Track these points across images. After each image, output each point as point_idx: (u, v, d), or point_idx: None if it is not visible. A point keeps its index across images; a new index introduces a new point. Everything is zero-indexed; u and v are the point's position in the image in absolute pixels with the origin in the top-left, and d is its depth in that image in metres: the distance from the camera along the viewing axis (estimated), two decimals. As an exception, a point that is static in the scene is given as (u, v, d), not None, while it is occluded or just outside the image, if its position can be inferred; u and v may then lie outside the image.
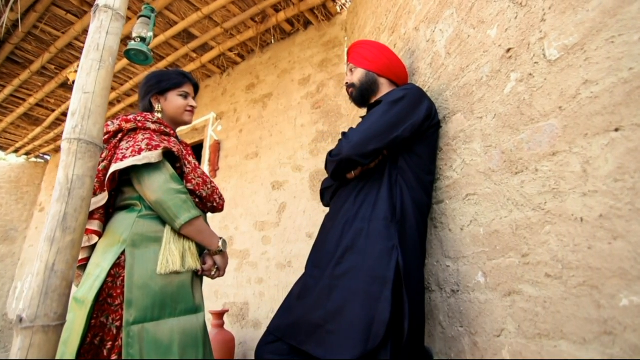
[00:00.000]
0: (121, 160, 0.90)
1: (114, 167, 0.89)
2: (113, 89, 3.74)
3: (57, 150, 5.59)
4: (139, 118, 1.00)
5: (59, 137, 5.02)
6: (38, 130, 4.55)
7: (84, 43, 2.99)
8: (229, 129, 3.27)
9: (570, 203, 0.62)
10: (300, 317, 0.95)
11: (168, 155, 0.98)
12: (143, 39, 1.67)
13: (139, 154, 0.90)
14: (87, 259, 0.94)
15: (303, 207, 2.40)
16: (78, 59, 3.13)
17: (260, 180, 2.76)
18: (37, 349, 0.61)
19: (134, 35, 1.80)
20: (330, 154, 1.05)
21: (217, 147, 3.26)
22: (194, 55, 3.30)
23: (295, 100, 2.79)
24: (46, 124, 4.38)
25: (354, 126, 2.23)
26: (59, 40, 2.84)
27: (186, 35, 3.02)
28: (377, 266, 0.86)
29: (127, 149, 0.92)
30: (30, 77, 3.31)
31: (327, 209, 2.26)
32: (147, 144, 0.92)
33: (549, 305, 0.66)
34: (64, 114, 4.30)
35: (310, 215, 2.34)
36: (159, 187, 0.91)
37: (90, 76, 0.80)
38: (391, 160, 1.01)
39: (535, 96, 0.72)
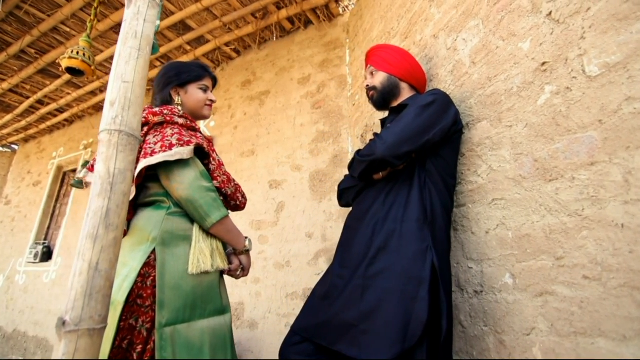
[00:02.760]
0: (150, 155, 0.86)
1: (144, 163, 0.85)
2: (97, 77, 3.55)
3: (27, 139, 5.23)
4: (165, 111, 0.96)
5: (30, 125, 4.71)
6: (8, 117, 4.23)
7: (70, 28, 2.84)
8: (223, 125, 3.19)
9: (611, 210, 0.67)
10: (330, 317, 0.95)
11: (196, 151, 0.95)
12: (152, 29, 1.60)
13: (170, 149, 0.87)
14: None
15: (303, 206, 2.39)
16: (62, 44, 2.94)
17: (257, 178, 2.72)
18: (82, 353, 0.58)
19: (139, 23, 1.72)
20: (358, 154, 1.06)
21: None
22: (188, 47, 3.20)
23: (295, 99, 2.78)
24: (18, 111, 4.08)
25: (357, 127, 2.26)
26: (43, 23, 2.66)
27: (182, 27, 2.92)
28: (412, 267, 0.88)
29: (156, 143, 0.89)
30: (6, 61, 3.07)
31: (327, 209, 2.28)
32: (178, 139, 0.89)
33: (586, 305, 0.70)
34: (39, 102, 4.03)
35: (310, 215, 2.34)
36: (190, 184, 0.88)
37: (129, 65, 0.76)
38: (420, 162, 1.04)
39: (572, 109, 0.77)
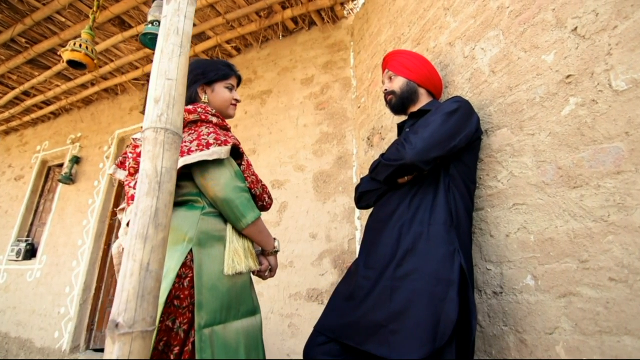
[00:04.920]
0: (187, 153, 0.85)
1: (182, 161, 0.84)
2: (89, 71, 3.43)
3: (8, 132, 5.00)
4: (199, 110, 0.95)
5: (13, 117, 4.51)
6: (-10, 108, 4.03)
7: (66, 18, 2.73)
8: (222, 123, 3.16)
9: (637, 217, 0.72)
10: (358, 318, 0.97)
11: (231, 151, 0.95)
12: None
13: (207, 148, 0.86)
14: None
15: (306, 207, 2.40)
16: (56, 34, 2.83)
17: (259, 178, 2.71)
18: (136, 355, 0.57)
19: (150, 18, 1.70)
20: (384, 158, 1.08)
21: (208, 141, 3.14)
22: (188, 43, 3.14)
23: (298, 100, 2.78)
24: (2, 102, 3.89)
25: (362, 130, 2.28)
26: (38, 12, 2.55)
27: (183, 22, 2.87)
28: (441, 269, 0.91)
29: (192, 142, 0.88)
30: (-6, 49, 2.94)
31: (332, 210, 2.29)
32: (216, 139, 0.88)
33: (612, 306, 0.74)
34: (25, 94, 3.86)
35: (314, 215, 2.35)
36: (226, 184, 0.88)
37: (172, 62, 0.75)
38: (444, 167, 1.07)
39: (598, 120, 0.81)
